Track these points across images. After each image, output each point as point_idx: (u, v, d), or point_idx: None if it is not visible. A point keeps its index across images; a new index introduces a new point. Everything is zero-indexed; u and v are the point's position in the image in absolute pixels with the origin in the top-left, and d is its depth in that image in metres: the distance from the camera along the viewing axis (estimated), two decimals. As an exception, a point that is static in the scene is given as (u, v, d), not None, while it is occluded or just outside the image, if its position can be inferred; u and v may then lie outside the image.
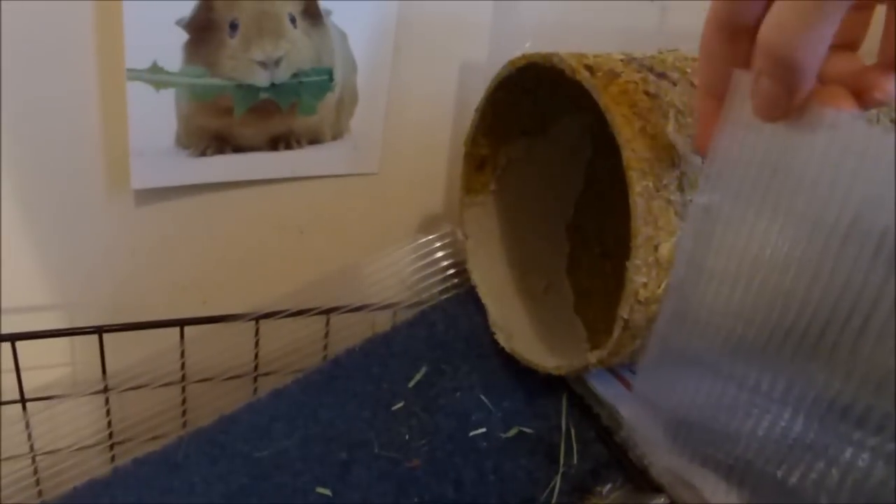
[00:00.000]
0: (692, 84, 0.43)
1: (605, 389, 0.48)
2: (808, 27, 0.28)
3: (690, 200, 0.40)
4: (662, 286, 0.41)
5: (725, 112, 0.38)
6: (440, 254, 0.59)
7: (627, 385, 0.49)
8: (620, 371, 0.50)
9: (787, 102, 0.31)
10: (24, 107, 0.50)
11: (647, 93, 0.42)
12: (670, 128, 0.41)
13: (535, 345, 0.52)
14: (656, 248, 0.40)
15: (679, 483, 0.42)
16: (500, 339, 0.52)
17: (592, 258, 0.59)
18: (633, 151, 0.40)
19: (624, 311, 0.41)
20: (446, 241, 0.59)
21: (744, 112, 0.37)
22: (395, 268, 0.58)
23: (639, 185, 0.40)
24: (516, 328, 0.53)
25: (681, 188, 0.41)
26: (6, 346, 0.52)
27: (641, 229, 0.40)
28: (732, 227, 0.39)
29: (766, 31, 0.29)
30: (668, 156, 0.41)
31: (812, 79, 0.31)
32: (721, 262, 0.39)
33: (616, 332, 0.42)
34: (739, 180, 0.38)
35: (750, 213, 0.38)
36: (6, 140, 0.50)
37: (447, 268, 0.59)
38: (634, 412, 0.45)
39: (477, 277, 0.56)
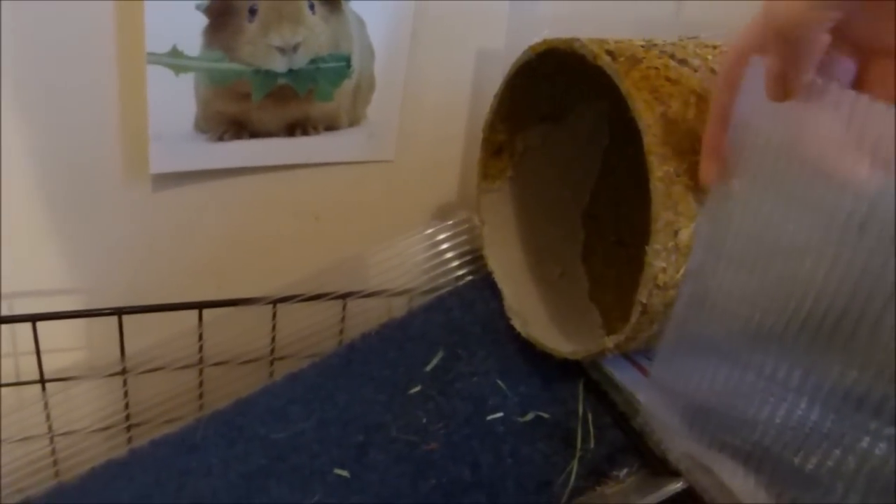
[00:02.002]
0: (713, 71, 0.43)
1: (622, 375, 0.49)
2: (811, 8, 0.30)
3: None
4: (681, 271, 0.41)
5: (741, 101, 0.38)
6: (456, 240, 0.59)
7: (644, 371, 0.49)
8: (636, 357, 0.50)
9: (794, 80, 0.32)
10: (44, 91, 0.50)
11: (668, 79, 0.42)
12: (691, 113, 0.41)
13: (551, 330, 0.52)
14: (676, 233, 0.41)
15: (696, 468, 0.43)
16: (516, 324, 0.53)
17: (607, 246, 0.59)
18: (654, 136, 0.40)
19: (642, 296, 0.41)
20: (462, 227, 0.59)
21: (760, 99, 0.37)
22: (410, 254, 0.59)
23: (659, 170, 0.40)
24: (532, 314, 0.54)
25: (701, 173, 0.41)
26: (26, 326, 0.53)
27: (661, 214, 0.40)
28: (750, 213, 0.39)
29: (774, 10, 0.31)
30: (688, 141, 0.41)
31: (814, 56, 0.32)
32: (739, 249, 0.40)
33: (634, 317, 0.42)
34: (757, 167, 0.39)
35: (767, 199, 0.39)
36: (27, 124, 0.51)
37: (463, 254, 0.59)
38: (651, 398, 0.45)
39: (493, 263, 0.56)
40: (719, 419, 0.42)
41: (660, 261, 0.40)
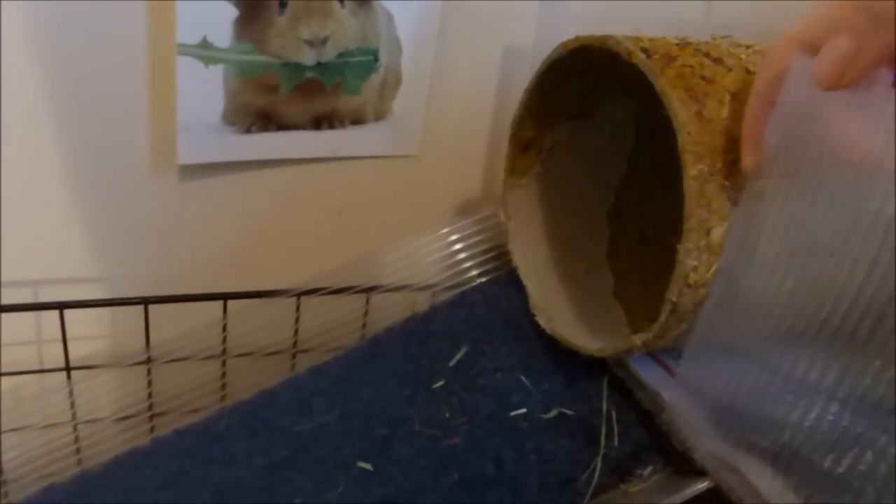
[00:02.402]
0: (747, 71, 0.43)
1: (647, 373, 0.48)
2: None
3: (744, 185, 0.40)
4: (712, 270, 0.41)
5: (782, 98, 0.38)
6: (480, 236, 0.59)
7: (668, 370, 0.49)
8: (661, 356, 0.50)
9: (862, 67, 0.32)
10: (75, 80, 0.50)
11: (703, 77, 0.42)
12: (725, 113, 0.41)
13: (576, 328, 0.52)
14: (708, 231, 0.40)
15: (723, 467, 0.42)
16: (541, 321, 0.53)
17: (632, 245, 0.59)
18: (689, 135, 0.40)
19: (672, 294, 0.41)
20: (486, 223, 0.59)
21: (800, 98, 0.37)
22: (434, 249, 0.59)
23: (693, 169, 0.40)
24: (557, 311, 0.54)
25: (735, 173, 0.41)
26: (50, 314, 0.53)
27: (694, 212, 0.40)
28: (786, 213, 0.39)
29: None
30: (722, 140, 0.41)
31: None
32: (772, 249, 0.39)
33: (663, 315, 0.42)
34: (794, 167, 0.38)
35: (804, 199, 0.38)
36: (57, 114, 0.51)
37: (487, 250, 0.59)
38: (677, 397, 0.45)
39: (518, 259, 0.56)
40: (747, 420, 0.42)
41: (691, 259, 0.40)
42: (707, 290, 0.41)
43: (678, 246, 0.40)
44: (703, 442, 0.44)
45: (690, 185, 0.40)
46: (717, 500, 0.43)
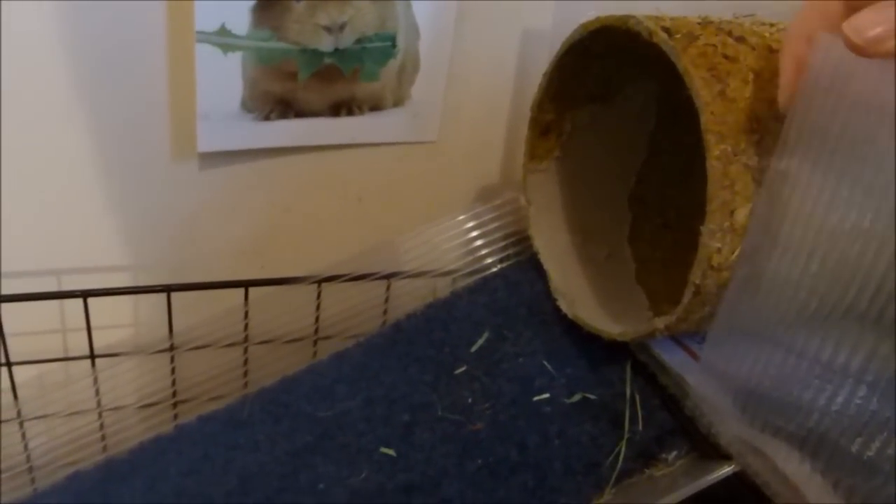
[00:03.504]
0: (770, 50, 0.42)
1: (670, 357, 0.48)
2: None
3: (768, 166, 0.39)
4: (736, 252, 0.41)
5: (806, 76, 0.37)
6: (500, 222, 0.59)
7: (692, 354, 0.49)
8: (684, 339, 0.50)
9: None
10: (95, 69, 0.51)
11: (725, 56, 0.41)
12: (749, 92, 0.41)
13: (598, 311, 0.52)
14: (732, 213, 0.40)
15: (749, 451, 0.42)
16: (563, 305, 0.52)
17: (654, 228, 0.58)
18: (712, 115, 0.39)
19: (696, 277, 0.41)
20: (506, 208, 0.59)
21: (826, 76, 0.37)
22: (454, 235, 0.58)
23: (716, 149, 0.39)
24: (578, 295, 0.53)
25: (759, 153, 0.40)
26: (74, 303, 0.53)
27: (717, 193, 0.39)
28: (810, 195, 0.39)
29: None
30: (746, 120, 0.40)
31: None
32: (797, 231, 0.39)
33: (686, 298, 0.42)
34: (818, 147, 0.38)
35: (829, 181, 0.38)
36: (78, 103, 0.51)
37: (507, 235, 0.59)
38: (702, 381, 0.45)
39: (539, 244, 0.56)
40: (773, 404, 0.42)
41: (714, 241, 0.40)
42: (731, 272, 0.41)
43: (701, 228, 0.40)
44: (729, 426, 0.43)
45: (714, 166, 0.39)
46: (743, 484, 0.43)
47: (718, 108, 0.40)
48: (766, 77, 0.41)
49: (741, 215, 0.40)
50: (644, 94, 0.57)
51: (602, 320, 0.50)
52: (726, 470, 0.43)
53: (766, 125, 0.40)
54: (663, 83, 0.55)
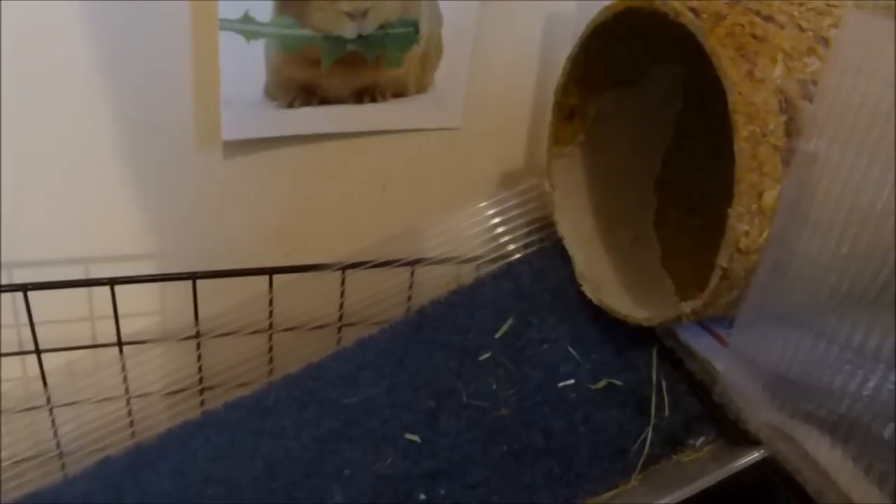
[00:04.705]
0: (800, 28, 0.42)
1: (698, 343, 0.48)
2: None
3: (798, 147, 0.39)
4: (764, 235, 0.40)
5: (835, 56, 0.37)
6: (524, 208, 0.59)
7: (719, 339, 0.48)
8: (711, 325, 0.49)
9: None
10: (119, 58, 0.51)
11: (754, 35, 0.41)
12: (778, 72, 0.40)
13: (624, 297, 0.52)
14: (760, 195, 0.39)
15: (778, 437, 0.42)
16: (588, 290, 0.52)
17: (679, 213, 0.58)
18: (740, 95, 0.39)
19: (723, 260, 0.40)
20: (530, 194, 0.59)
21: (856, 55, 0.36)
22: (478, 221, 0.58)
23: (745, 130, 0.39)
24: (604, 280, 0.53)
25: (788, 134, 0.39)
26: (101, 291, 0.54)
27: (745, 175, 0.39)
28: (840, 176, 0.38)
29: None
30: (775, 100, 0.39)
31: None
32: (827, 213, 0.38)
33: (713, 282, 0.41)
34: (848, 127, 0.37)
35: (860, 163, 0.37)
36: (103, 92, 0.52)
37: (531, 222, 0.58)
38: (730, 366, 0.44)
39: (564, 229, 0.55)
40: (803, 390, 0.41)
41: (742, 224, 0.39)
42: (759, 256, 0.40)
43: (729, 210, 0.39)
44: (758, 412, 0.43)
45: (742, 148, 0.39)
46: (772, 470, 0.42)
47: (746, 89, 0.39)
48: (796, 56, 0.41)
49: (770, 197, 0.40)
50: (670, 77, 0.56)
51: (628, 306, 0.50)
52: (755, 456, 0.42)
53: (795, 105, 0.40)
54: (691, 65, 0.54)
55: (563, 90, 0.53)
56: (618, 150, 0.57)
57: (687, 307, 0.44)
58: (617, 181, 0.57)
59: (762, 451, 0.42)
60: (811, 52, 0.41)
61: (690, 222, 0.57)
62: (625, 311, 0.49)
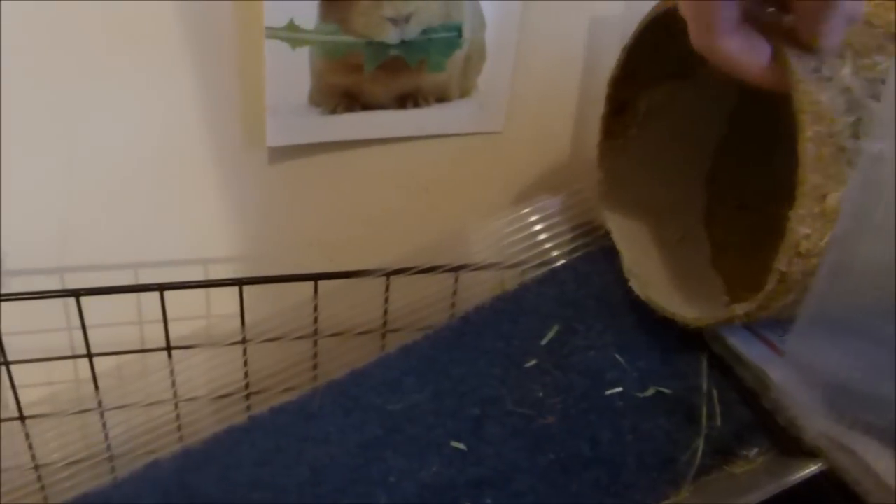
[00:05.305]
0: (870, 24, 0.40)
1: (749, 350, 0.46)
2: None
3: (863, 148, 0.37)
4: (825, 239, 0.39)
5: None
6: (568, 213, 0.58)
7: (772, 346, 0.47)
8: (763, 331, 0.48)
9: None
10: (166, 65, 0.52)
11: (820, 32, 0.39)
12: (846, 70, 0.39)
13: (672, 295, 0.50)
14: (823, 197, 0.38)
15: (837, 449, 0.40)
16: (635, 286, 0.51)
17: (729, 211, 0.56)
18: (806, 94, 0.37)
19: (782, 264, 0.39)
20: (574, 200, 0.58)
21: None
22: (521, 227, 0.58)
23: (810, 130, 0.37)
24: (651, 277, 0.52)
25: (855, 135, 0.38)
26: (148, 296, 0.55)
27: (809, 177, 0.38)
28: (907, 179, 0.37)
29: None
30: (843, 100, 0.38)
31: None
32: (892, 216, 0.37)
33: (770, 285, 0.40)
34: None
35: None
36: (153, 98, 0.52)
37: (575, 227, 0.57)
38: (786, 375, 0.43)
39: (611, 223, 0.54)
40: (864, 400, 0.40)
41: (804, 227, 0.38)
42: (819, 259, 0.39)
43: (790, 213, 0.38)
44: (815, 422, 0.41)
45: (806, 148, 0.37)
46: (830, 482, 0.41)
47: (813, 87, 0.38)
48: (865, 54, 0.39)
49: (833, 200, 0.38)
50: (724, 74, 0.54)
51: (676, 304, 0.49)
52: (812, 469, 0.41)
53: (862, 105, 0.38)
54: None
55: (616, 83, 0.51)
56: (668, 145, 0.56)
57: (740, 309, 0.42)
58: (666, 177, 0.56)
59: (820, 463, 0.41)
60: (881, 49, 0.39)
61: (741, 220, 0.55)
62: (673, 309, 0.48)
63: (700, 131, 0.56)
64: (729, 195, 0.57)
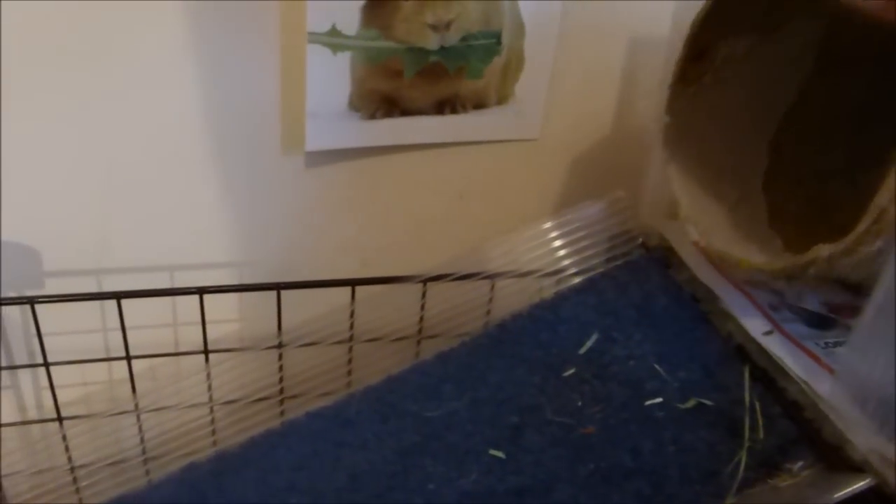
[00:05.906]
0: None
1: (794, 363, 0.46)
2: None
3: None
4: None
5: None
6: (606, 222, 0.57)
7: (816, 359, 0.46)
8: (806, 343, 0.47)
9: None
10: (209, 69, 0.52)
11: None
12: None
13: (733, 245, 0.48)
14: None
15: (888, 465, 0.40)
16: (694, 233, 0.49)
17: (789, 181, 0.55)
18: None
19: (882, 198, 0.37)
20: (612, 208, 0.58)
21: None
22: (558, 235, 0.57)
23: None
24: (712, 227, 0.50)
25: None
26: (184, 298, 0.55)
27: None
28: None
29: None
30: None
31: None
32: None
33: (864, 224, 0.38)
34: None
35: None
36: (191, 101, 0.53)
37: (613, 237, 0.57)
38: (836, 389, 0.43)
39: (672, 171, 0.52)
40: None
41: None
42: None
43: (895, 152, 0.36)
44: (864, 437, 0.41)
45: None
46: (879, 498, 0.40)
47: None
48: None
49: None
50: (806, 36, 0.53)
51: (741, 249, 0.47)
52: (861, 484, 0.40)
53: None
54: (830, 27, 0.51)
55: (700, 24, 0.49)
56: (738, 101, 0.54)
57: (825, 251, 0.40)
58: (732, 135, 0.55)
59: (868, 478, 0.40)
60: None
61: (798, 192, 0.54)
62: (738, 253, 0.45)
63: (771, 95, 0.55)
64: (789, 165, 0.55)
